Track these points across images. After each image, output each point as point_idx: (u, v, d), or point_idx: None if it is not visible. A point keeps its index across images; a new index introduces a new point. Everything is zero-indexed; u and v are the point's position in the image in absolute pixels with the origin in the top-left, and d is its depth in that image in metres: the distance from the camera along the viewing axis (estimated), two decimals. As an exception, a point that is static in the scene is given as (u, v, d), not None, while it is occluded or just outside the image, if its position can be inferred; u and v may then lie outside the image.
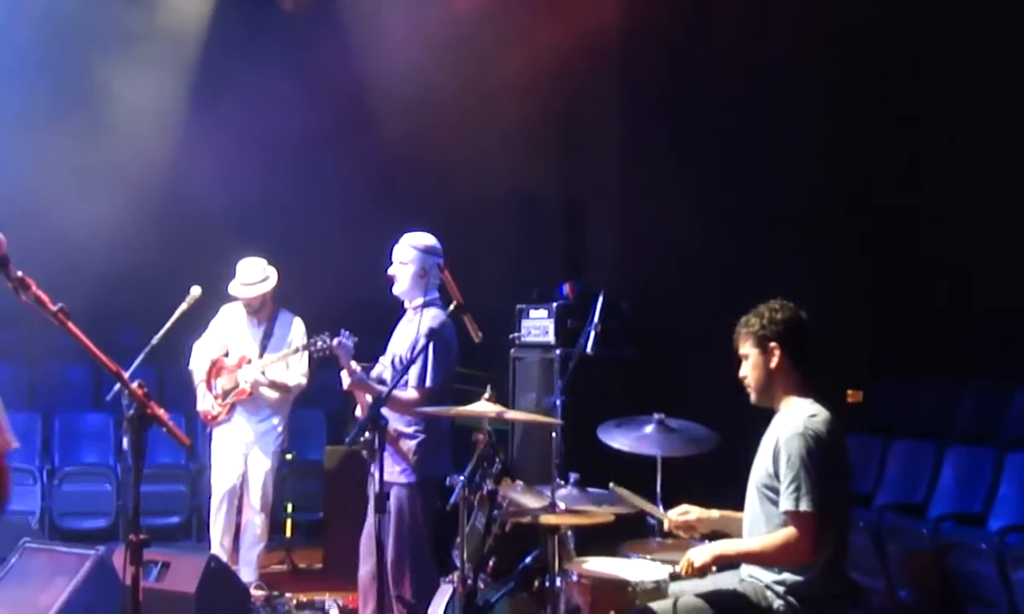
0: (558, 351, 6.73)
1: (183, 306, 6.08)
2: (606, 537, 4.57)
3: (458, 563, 4.32)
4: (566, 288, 7.07)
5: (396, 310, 5.28)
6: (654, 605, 3.84)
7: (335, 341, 5.08)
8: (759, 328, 3.87)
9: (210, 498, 6.72)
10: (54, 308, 3.06)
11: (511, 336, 7.17)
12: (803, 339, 3.89)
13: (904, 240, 7.69)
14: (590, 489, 4.56)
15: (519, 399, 7.06)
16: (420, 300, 5.12)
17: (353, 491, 5.47)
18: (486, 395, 4.48)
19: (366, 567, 5.06)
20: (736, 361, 3.97)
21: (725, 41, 7.56)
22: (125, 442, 3.32)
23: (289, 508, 7.85)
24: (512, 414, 5.15)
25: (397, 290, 5.19)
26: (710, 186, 7.70)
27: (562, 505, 4.33)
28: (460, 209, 7.92)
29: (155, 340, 5.90)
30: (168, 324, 5.96)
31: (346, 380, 5.06)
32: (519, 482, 4.61)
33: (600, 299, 5.78)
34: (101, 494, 8.21)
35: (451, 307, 4.81)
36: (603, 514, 4.37)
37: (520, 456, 6.81)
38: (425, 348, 4.86)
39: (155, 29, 8.43)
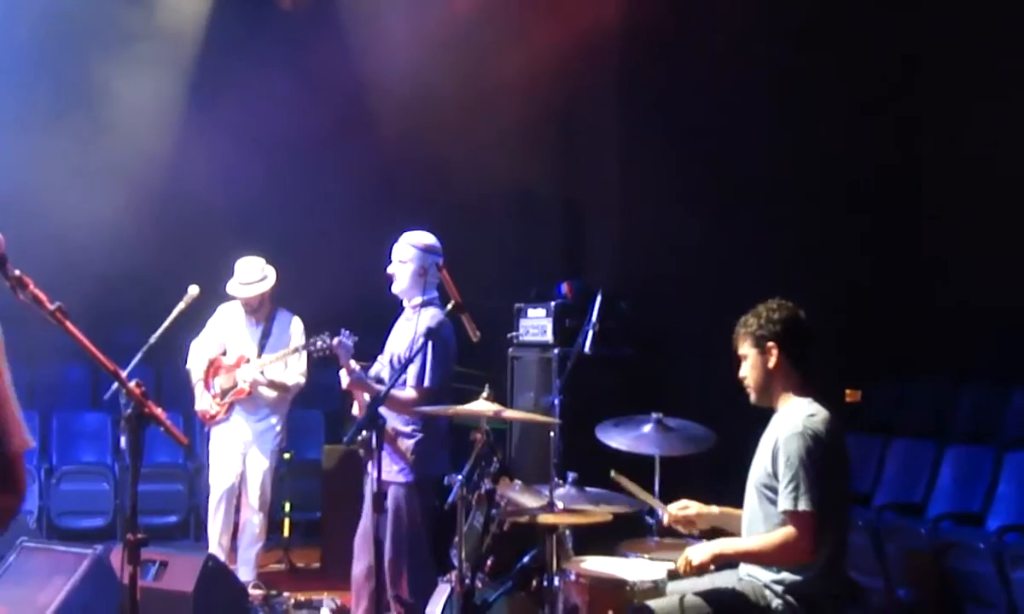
0: (556, 350, 6.73)
1: (181, 305, 6.06)
2: (604, 536, 4.57)
3: (456, 562, 4.31)
4: (564, 287, 7.07)
5: (394, 309, 5.28)
6: (656, 604, 3.83)
7: (335, 340, 5.08)
8: (757, 328, 3.87)
9: (208, 497, 6.73)
10: (52, 307, 3.04)
11: (509, 335, 7.17)
12: (801, 339, 3.88)
13: (904, 240, 7.69)
14: (588, 488, 4.55)
15: (517, 398, 7.06)
16: (419, 299, 5.12)
17: (351, 490, 5.48)
18: (484, 394, 4.48)
19: (360, 566, 5.07)
20: (735, 361, 3.96)
21: (725, 41, 7.55)
22: (123, 441, 3.31)
23: (287, 507, 7.85)
24: (510, 413, 5.14)
25: (396, 289, 5.18)
26: (709, 186, 7.69)
27: (560, 504, 4.32)
28: (459, 208, 7.92)
29: (153, 339, 5.87)
30: (166, 323, 5.93)
31: (345, 379, 5.06)
32: (517, 481, 4.61)
33: (598, 298, 5.76)
34: (99, 493, 8.20)
35: (449, 306, 4.81)
36: (601, 513, 4.36)
37: (518, 455, 6.81)
38: (423, 347, 4.85)
39: (154, 29, 8.41)
